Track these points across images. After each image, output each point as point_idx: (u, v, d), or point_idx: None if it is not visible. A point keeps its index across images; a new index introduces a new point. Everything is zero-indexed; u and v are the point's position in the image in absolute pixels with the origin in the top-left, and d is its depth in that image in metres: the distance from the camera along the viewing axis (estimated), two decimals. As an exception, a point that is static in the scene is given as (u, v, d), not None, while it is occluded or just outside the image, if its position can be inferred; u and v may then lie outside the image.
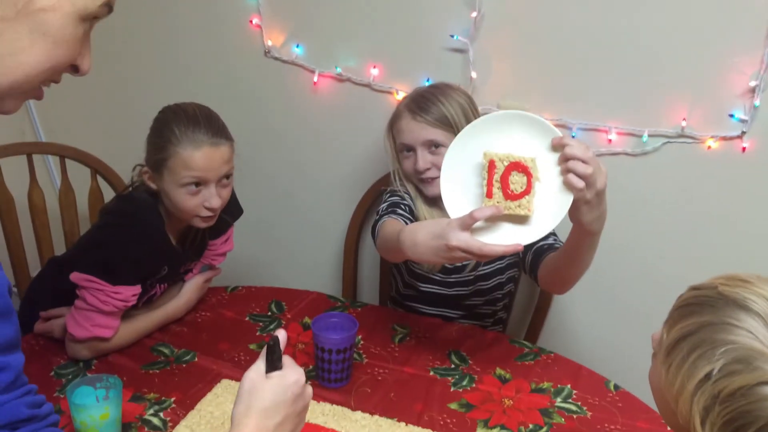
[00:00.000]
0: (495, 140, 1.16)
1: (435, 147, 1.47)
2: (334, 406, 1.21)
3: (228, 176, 1.36)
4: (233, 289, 1.61)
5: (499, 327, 1.69)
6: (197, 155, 1.29)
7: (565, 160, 1.12)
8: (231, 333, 1.44)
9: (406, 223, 1.40)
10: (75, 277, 1.29)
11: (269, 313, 1.52)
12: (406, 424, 1.18)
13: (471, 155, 1.18)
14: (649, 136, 1.59)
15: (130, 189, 1.41)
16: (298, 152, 1.97)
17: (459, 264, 1.51)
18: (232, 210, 1.49)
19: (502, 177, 1.14)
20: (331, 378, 1.27)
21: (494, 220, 1.16)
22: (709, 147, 1.56)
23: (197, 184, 1.31)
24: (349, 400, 1.25)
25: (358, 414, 1.19)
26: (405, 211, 1.49)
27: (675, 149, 1.59)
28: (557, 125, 1.66)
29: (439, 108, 1.46)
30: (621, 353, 1.74)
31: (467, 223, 1.12)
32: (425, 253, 1.17)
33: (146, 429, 1.15)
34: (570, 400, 1.28)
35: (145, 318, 1.40)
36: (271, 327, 1.47)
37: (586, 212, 1.14)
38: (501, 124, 1.17)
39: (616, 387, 1.31)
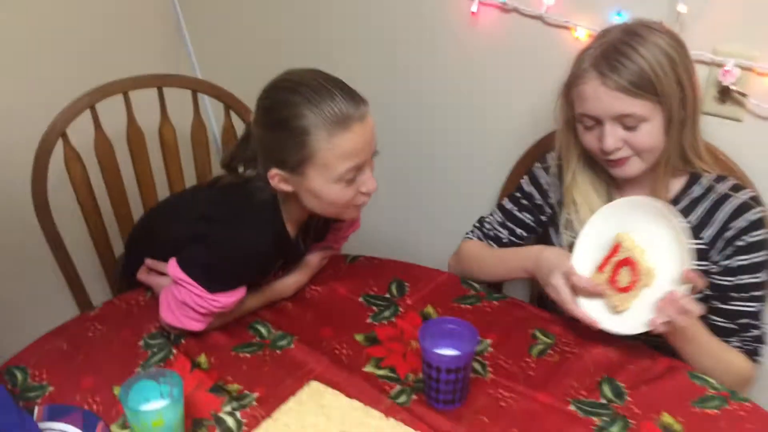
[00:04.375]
0: (642, 223, 1.10)
1: (630, 123, 1.11)
2: (435, 440, 0.96)
3: (376, 151, 1.12)
4: (353, 259, 1.40)
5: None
6: (351, 138, 1.03)
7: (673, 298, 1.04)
8: (339, 316, 1.24)
9: (507, 243, 1.37)
10: (173, 270, 1.12)
11: (387, 295, 1.29)
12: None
13: (618, 223, 1.13)
14: None
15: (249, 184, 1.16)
16: (444, 102, 1.67)
17: None
18: None
19: (617, 263, 1.12)
20: (438, 398, 1.02)
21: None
22: None
23: (354, 171, 1.07)
24: (459, 430, 0.99)
25: (463, 457, 0.93)
26: (520, 223, 1.37)
27: None
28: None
29: (639, 64, 1.07)
30: None
31: (569, 277, 1.14)
32: (540, 272, 1.21)
33: (217, 430, 1.00)
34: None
35: (247, 300, 1.21)
36: (386, 314, 1.24)
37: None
38: (658, 213, 1.09)
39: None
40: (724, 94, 1.27)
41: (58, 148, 1.49)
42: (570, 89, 1.17)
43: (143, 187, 1.65)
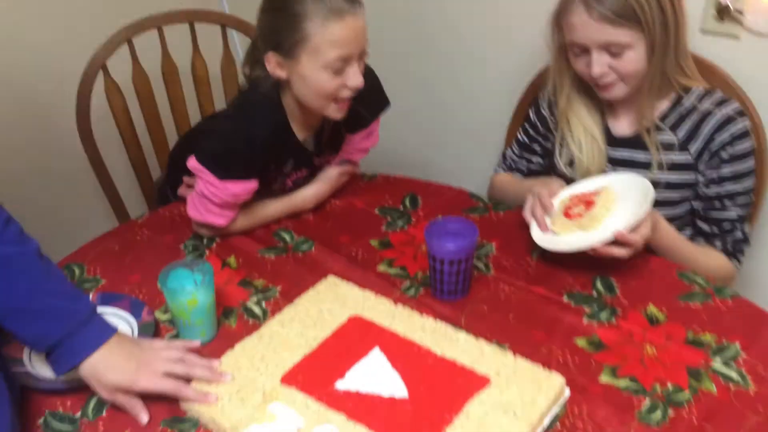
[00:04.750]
0: (630, 191, 1.18)
1: (615, 50, 1.18)
2: (438, 322, 1.07)
3: (366, 52, 1.21)
4: (371, 177, 1.51)
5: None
6: (342, 27, 1.14)
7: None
8: (356, 225, 1.35)
9: (528, 173, 1.49)
10: (191, 163, 1.25)
11: (401, 208, 1.40)
12: (515, 355, 1.01)
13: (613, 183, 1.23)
14: None
15: (252, 83, 1.28)
16: (457, 30, 1.75)
17: None
18: (375, 102, 1.36)
19: (584, 199, 1.21)
20: (443, 290, 1.14)
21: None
22: None
23: (341, 61, 1.17)
24: (461, 317, 1.11)
25: (461, 335, 1.04)
26: (534, 152, 1.46)
27: None
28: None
29: None
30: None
31: (541, 190, 1.25)
32: None
33: (245, 317, 1.13)
34: (733, 364, 1.00)
35: (269, 206, 1.34)
36: (399, 223, 1.35)
37: None
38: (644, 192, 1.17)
39: (804, 358, 1.01)
40: (723, 12, 1.32)
41: (99, 81, 1.61)
42: (559, 18, 1.24)
43: (178, 118, 1.77)
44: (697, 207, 1.29)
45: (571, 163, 1.35)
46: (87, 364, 0.90)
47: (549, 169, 1.45)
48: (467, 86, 1.83)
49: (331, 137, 1.38)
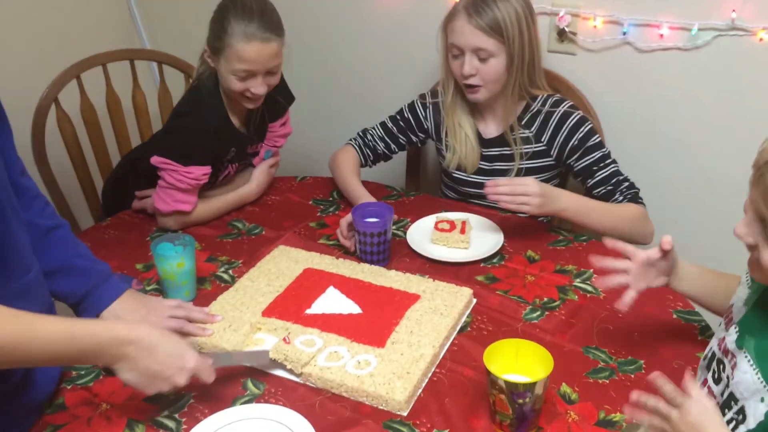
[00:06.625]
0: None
1: (483, 56, 1.53)
2: (372, 266, 1.39)
3: (275, 70, 1.51)
4: (302, 178, 1.82)
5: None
6: (248, 49, 1.44)
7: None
8: (295, 213, 1.65)
9: (374, 157, 1.76)
10: (154, 160, 1.52)
11: (330, 199, 1.72)
12: (434, 280, 1.34)
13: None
14: (699, 29, 1.59)
15: (197, 78, 1.58)
16: (357, 50, 2.11)
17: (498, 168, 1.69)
18: (284, 96, 1.69)
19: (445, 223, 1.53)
20: (373, 259, 1.43)
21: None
22: (761, 39, 1.54)
23: (245, 73, 1.47)
24: (390, 267, 1.42)
25: (392, 272, 1.37)
26: (394, 139, 1.74)
27: (726, 42, 1.58)
28: (610, 22, 1.70)
29: (495, 13, 1.50)
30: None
31: None
32: None
33: (218, 282, 1.39)
34: (588, 282, 1.37)
35: (222, 198, 1.63)
36: (331, 209, 1.67)
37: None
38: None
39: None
40: (562, 35, 1.76)
41: (52, 111, 1.83)
42: (446, 24, 1.60)
43: (121, 144, 2.00)
44: (589, 181, 1.60)
45: (454, 152, 1.69)
46: (109, 310, 1.14)
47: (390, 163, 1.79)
48: (369, 107, 2.17)
49: (257, 126, 1.67)
